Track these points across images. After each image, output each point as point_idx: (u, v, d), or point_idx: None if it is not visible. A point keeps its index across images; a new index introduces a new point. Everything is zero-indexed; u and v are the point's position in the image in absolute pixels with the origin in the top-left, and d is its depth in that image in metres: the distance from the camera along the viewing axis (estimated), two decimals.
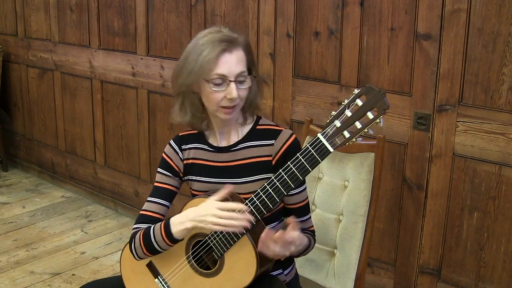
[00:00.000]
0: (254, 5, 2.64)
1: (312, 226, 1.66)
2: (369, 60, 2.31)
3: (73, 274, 2.90)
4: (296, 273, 1.72)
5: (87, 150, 3.85)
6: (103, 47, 3.50)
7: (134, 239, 1.55)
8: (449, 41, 2.07)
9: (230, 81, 1.45)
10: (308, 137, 1.93)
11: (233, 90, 1.45)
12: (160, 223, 1.52)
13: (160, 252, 1.53)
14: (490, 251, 2.12)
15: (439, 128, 2.16)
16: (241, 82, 1.48)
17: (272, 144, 1.54)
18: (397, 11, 2.19)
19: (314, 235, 1.65)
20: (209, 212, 1.42)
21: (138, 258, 1.58)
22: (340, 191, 1.83)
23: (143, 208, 1.61)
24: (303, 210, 1.60)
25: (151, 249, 1.52)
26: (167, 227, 1.49)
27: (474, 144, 2.09)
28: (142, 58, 3.26)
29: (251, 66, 1.52)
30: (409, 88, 2.21)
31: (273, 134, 1.56)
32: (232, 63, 1.45)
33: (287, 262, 1.65)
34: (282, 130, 1.56)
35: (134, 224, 1.61)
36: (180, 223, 1.47)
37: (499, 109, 2.01)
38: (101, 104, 3.61)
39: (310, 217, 1.64)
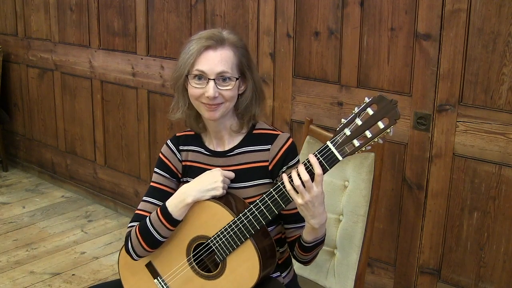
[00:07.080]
0: (254, 5, 2.64)
1: None
2: (369, 60, 2.30)
3: (73, 274, 2.90)
4: (295, 275, 1.71)
5: (87, 150, 3.84)
6: (103, 47, 3.50)
7: (130, 237, 1.54)
8: (449, 41, 2.07)
9: (209, 79, 1.44)
10: (308, 137, 1.93)
11: (210, 89, 1.43)
12: (155, 210, 1.51)
13: (161, 242, 1.51)
14: (490, 251, 2.12)
15: (439, 128, 2.16)
16: (224, 81, 1.45)
17: (269, 149, 1.52)
18: (397, 11, 2.19)
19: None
20: (219, 178, 1.47)
21: (136, 257, 1.56)
22: (340, 191, 1.83)
23: (138, 207, 1.60)
24: (299, 216, 1.48)
25: (151, 241, 1.50)
26: (164, 210, 1.48)
27: (474, 144, 2.09)
28: (142, 58, 3.26)
29: (245, 71, 1.50)
30: (409, 88, 2.21)
31: (270, 139, 1.53)
32: (214, 60, 1.44)
33: (285, 265, 1.65)
34: (278, 134, 1.54)
35: (129, 223, 1.59)
36: (179, 201, 1.48)
37: (499, 109, 2.01)
38: (101, 104, 3.61)
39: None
